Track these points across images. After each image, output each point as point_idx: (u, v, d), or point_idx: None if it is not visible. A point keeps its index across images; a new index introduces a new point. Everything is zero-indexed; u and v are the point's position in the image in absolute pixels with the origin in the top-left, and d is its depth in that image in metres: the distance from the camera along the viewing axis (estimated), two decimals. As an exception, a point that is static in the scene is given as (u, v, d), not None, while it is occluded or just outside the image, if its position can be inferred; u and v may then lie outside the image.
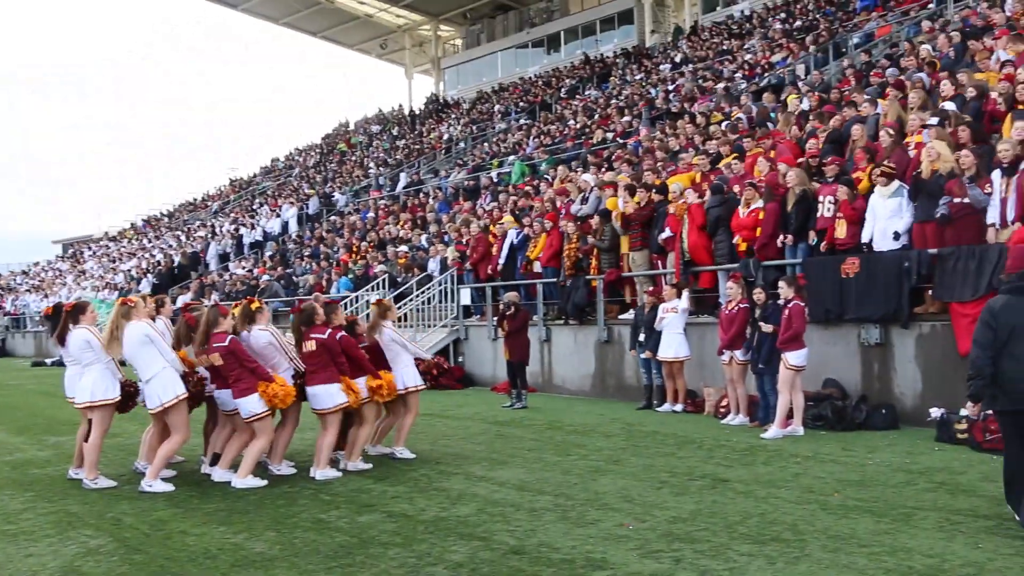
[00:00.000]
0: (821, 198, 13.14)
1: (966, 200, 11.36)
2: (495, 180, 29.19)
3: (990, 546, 6.45)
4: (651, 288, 15.16)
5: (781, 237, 13.49)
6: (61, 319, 9.79)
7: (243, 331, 9.63)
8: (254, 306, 9.91)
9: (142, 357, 9.33)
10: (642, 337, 14.56)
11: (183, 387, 9.44)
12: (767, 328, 11.75)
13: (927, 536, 6.74)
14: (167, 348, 9.48)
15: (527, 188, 24.41)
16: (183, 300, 23.04)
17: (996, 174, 11.20)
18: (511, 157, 31.78)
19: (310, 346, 9.67)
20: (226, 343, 9.25)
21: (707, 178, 16.03)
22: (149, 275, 36.64)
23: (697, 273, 15.20)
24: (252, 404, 9.30)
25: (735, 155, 16.35)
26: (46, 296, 45.17)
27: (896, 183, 12.22)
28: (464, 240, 21.82)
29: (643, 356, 14.60)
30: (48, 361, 35.37)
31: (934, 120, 13.27)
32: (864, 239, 12.54)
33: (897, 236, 12.17)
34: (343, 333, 10.04)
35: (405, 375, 10.84)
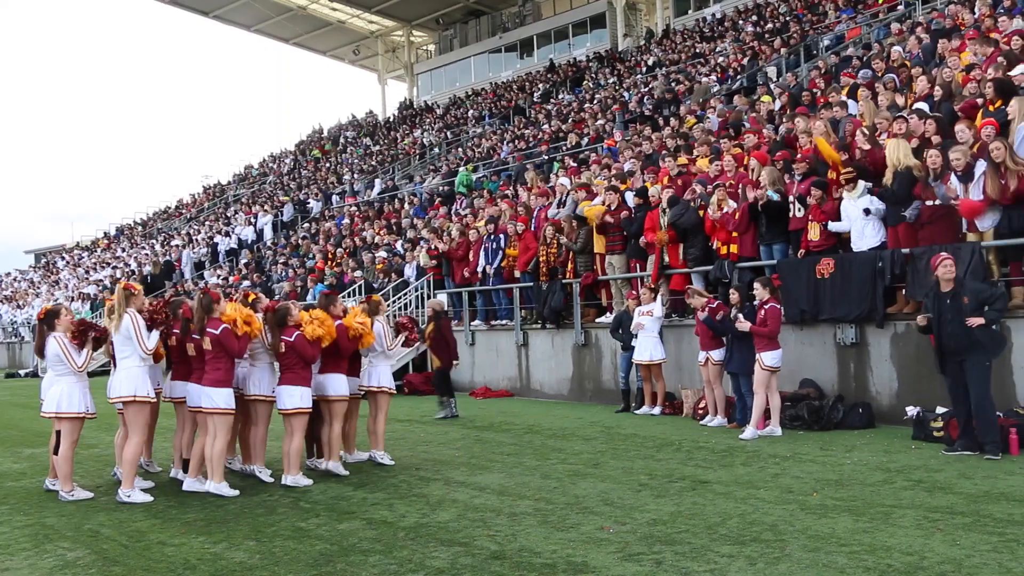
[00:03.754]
0: (791, 198, 13.23)
1: (937, 202, 11.47)
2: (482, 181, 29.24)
3: (968, 543, 6.48)
4: (631, 291, 15.19)
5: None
6: (38, 327, 9.70)
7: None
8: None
9: (123, 347, 9.34)
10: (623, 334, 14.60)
11: (147, 388, 9.40)
12: (743, 326, 11.74)
13: (906, 534, 6.77)
14: (144, 343, 9.34)
15: (506, 192, 24.41)
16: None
17: (953, 179, 11.29)
18: (461, 168, 31.83)
19: (280, 347, 9.72)
20: (218, 331, 9.26)
21: (676, 181, 16.07)
22: (123, 284, 36.31)
23: (669, 275, 15.27)
24: (220, 398, 9.32)
25: (711, 156, 16.41)
26: (19, 307, 44.75)
27: (862, 184, 12.33)
28: (435, 246, 21.71)
29: (636, 360, 14.53)
30: (22, 372, 34.98)
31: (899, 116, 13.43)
32: (837, 229, 12.67)
33: (868, 212, 12.24)
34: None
35: (381, 375, 10.89)
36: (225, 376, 9.40)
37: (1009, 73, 13.35)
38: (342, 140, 52.76)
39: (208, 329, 9.33)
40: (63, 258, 57.05)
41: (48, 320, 9.54)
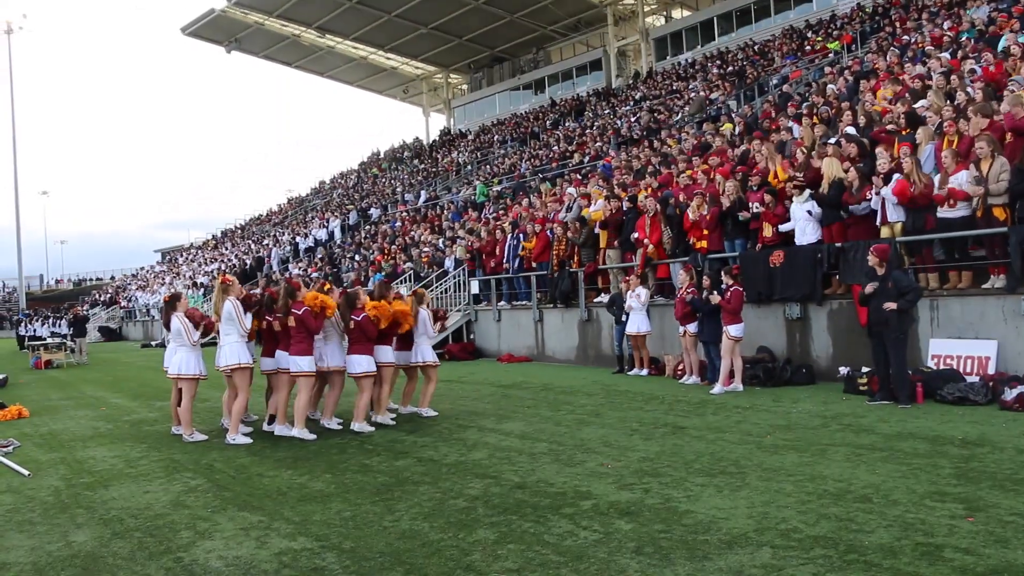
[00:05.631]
0: (752, 204, 13.16)
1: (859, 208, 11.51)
2: (498, 193, 29.19)
3: (884, 471, 6.47)
4: (625, 277, 15.14)
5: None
6: (164, 308, 9.88)
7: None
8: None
9: (226, 327, 9.47)
10: (616, 311, 14.54)
11: (248, 357, 9.50)
12: (715, 299, 11.66)
13: (838, 466, 6.76)
14: (243, 324, 9.46)
15: (521, 201, 24.36)
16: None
17: (877, 181, 11.22)
18: (478, 182, 31.76)
19: (351, 325, 9.77)
20: (300, 312, 9.32)
21: (658, 193, 15.97)
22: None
23: (655, 265, 15.22)
24: (304, 363, 9.38)
25: (687, 171, 16.34)
26: (151, 293, 45.16)
27: (807, 191, 12.27)
28: (472, 243, 21.73)
29: (627, 332, 14.42)
30: (153, 343, 35.34)
31: (832, 140, 13.34)
32: (785, 229, 12.59)
33: (810, 213, 12.18)
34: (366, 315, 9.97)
35: (425, 352, 10.87)
36: (307, 347, 9.42)
37: (914, 106, 13.24)
38: (396, 160, 52.76)
39: (292, 311, 9.42)
40: (182, 255, 57.46)
41: (171, 303, 9.82)
